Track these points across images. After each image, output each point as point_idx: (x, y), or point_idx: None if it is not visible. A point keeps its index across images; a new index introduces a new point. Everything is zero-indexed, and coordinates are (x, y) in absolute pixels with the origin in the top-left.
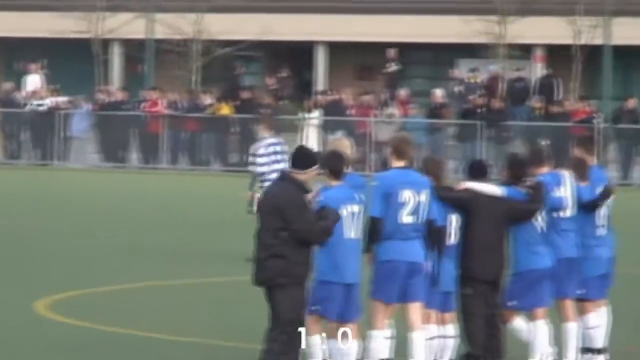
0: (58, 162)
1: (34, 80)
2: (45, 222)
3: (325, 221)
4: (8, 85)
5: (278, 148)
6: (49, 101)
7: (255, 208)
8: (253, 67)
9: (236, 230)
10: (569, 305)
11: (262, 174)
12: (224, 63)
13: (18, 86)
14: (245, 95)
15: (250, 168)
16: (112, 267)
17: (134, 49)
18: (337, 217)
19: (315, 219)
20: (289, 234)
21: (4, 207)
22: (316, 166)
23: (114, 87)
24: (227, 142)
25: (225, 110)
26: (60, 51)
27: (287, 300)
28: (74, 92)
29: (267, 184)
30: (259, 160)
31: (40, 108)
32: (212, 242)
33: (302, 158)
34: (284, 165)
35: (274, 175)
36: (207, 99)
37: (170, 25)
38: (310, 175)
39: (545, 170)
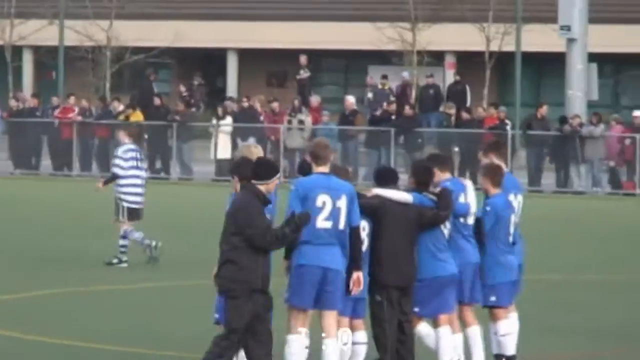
0: None
1: None
2: None
3: (284, 228)
4: None
5: (138, 155)
6: None
7: (121, 217)
8: (164, 74)
9: (149, 237)
10: (469, 309)
11: (121, 177)
12: (135, 70)
13: None
14: (156, 102)
15: (113, 169)
16: (24, 275)
17: (45, 56)
18: (307, 220)
19: (268, 226)
20: (242, 240)
21: None
22: (277, 175)
23: (26, 94)
24: (143, 149)
25: (137, 117)
26: None
27: (234, 307)
28: None
29: (125, 188)
30: (117, 162)
31: None
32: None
33: (264, 170)
34: (143, 173)
35: (132, 181)
36: (119, 106)
37: (82, 32)
38: (272, 186)
39: (447, 176)
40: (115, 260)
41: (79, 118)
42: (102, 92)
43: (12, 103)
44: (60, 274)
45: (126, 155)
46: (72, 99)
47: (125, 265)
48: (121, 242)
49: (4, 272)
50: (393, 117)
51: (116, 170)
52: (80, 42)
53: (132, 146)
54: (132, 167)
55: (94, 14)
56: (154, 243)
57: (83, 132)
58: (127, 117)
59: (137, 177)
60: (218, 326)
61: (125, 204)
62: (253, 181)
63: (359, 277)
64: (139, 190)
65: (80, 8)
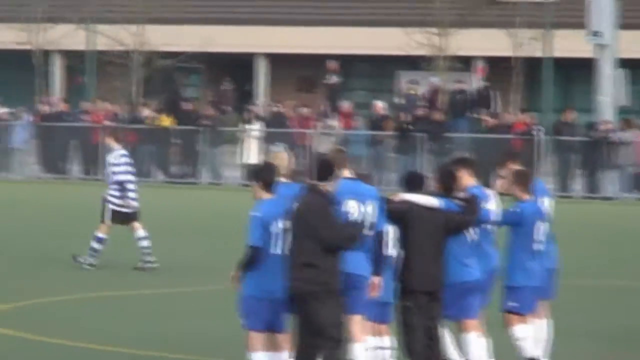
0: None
1: None
2: None
3: (353, 229)
4: None
5: (129, 159)
6: None
7: (107, 217)
8: (193, 78)
9: (177, 241)
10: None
11: (121, 182)
12: (165, 75)
13: None
14: (185, 106)
15: (117, 177)
16: (50, 278)
17: (75, 60)
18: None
19: (342, 226)
20: (318, 242)
21: None
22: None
23: (56, 98)
24: (168, 154)
25: (166, 121)
26: (1, 62)
27: (321, 308)
28: (15, 103)
29: (127, 193)
30: (116, 169)
31: None
32: (158, 251)
33: (325, 170)
34: (133, 177)
35: (130, 186)
36: (147, 111)
37: (111, 37)
38: (334, 185)
39: (474, 179)
40: (141, 264)
41: (108, 123)
42: (131, 97)
43: (42, 108)
44: (86, 278)
45: (119, 161)
46: (102, 104)
47: (151, 265)
48: (142, 243)
49: (29, 276)
50: (416, 122)
51: (120, 177)
52: (110, 47)
53: (123, 151)
54: (126, 172)
55: (124, 19)
56: (95, 262)
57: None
58: (157, 122)
59: (132, 182)
60: (246, 331)
61: (111, 206)
62: (316, 182)
63: (378, 281)
64: (134, 195)
65: (109, 12)
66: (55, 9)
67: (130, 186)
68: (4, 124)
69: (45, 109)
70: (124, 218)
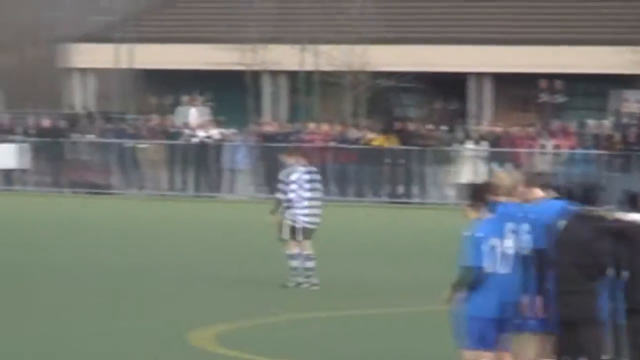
0: (221, 193)
1: (195, 113)
2: (208, 253)
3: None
4: (169, 118)
5: (315, 177)
6: (213, 133)
7: (283, 235)
8: (412, 98)
9: (390, 261)
10: None
11: (291, 200)
12: (385, 95)
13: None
14: (406, 126)
15: (278, 195)
16: (267, 299)
17: (295, 81)
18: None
19: (607, 251)
20: (584, 268)
21: (167, 238)
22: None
23: (276, 119)
24: (385, 173)
25: (385, 141)
26: (220, 83)
27: (594, 335)
28: (234, 123)
29: (294, 210)
30: (291, 187)
31: (206, 140)
32: (371, 272)
33: (592, 195)
34: (320, 194)
35: (305, 203)
36: (366, 131)
37: (333, 57)
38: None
39: None
40: (304, 283)
41: (332, 144)
42: (351, 117)
43: (262, 128)
44: (310, 298)
45: (289, 179)
46: (326, 125)
47: (308, 285)
48: (307, 264)
49: (247, 297)
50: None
51: (289, 195)
52: (331, 67)
53: (306, 168)
54: (297, 190)
55: (344, 39)
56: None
57: (335, 158)
58: (377, 142)
59: (302, 199)
60: (463, 351)
61: (288, 222)
62: (587, 207)
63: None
64: (306, 211)
65: (331, 33)
66: (280, 30)
67: (301, 204)
68: (226, 144)
69: (265, 129)
70: (296, 234)
